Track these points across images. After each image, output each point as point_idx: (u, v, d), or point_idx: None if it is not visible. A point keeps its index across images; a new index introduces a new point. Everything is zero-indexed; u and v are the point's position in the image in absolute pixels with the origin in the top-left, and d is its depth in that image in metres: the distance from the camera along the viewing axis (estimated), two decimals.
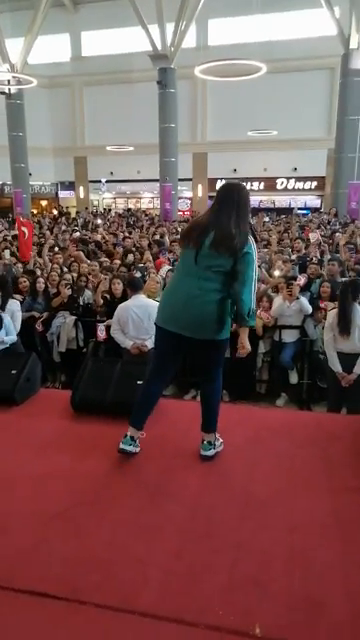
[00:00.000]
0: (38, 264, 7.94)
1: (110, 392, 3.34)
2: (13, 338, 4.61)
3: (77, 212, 22.29)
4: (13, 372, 3.60)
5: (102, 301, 5.72)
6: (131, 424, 2.79)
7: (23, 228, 8.45)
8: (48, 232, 13.00)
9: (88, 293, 6.20)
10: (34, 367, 3.78)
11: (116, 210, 23.74)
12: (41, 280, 6.11)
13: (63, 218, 18.87)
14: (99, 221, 16.49)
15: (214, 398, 2.84)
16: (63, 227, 14.55)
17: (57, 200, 26.22)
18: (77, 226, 15.34)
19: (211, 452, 2.83)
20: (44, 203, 26.38)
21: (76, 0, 22.69)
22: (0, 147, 20.28)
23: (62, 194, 26.22)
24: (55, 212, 23.58)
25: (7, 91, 18.71)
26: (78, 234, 12.68)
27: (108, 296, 5.73)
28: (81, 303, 5.98)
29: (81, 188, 25.13)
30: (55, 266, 7.00)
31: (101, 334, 5.46)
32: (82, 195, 25.19)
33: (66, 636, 1.72)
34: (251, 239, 2.57)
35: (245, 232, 2.55)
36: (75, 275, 6.67)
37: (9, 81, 18.47)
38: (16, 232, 10.60)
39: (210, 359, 2.79)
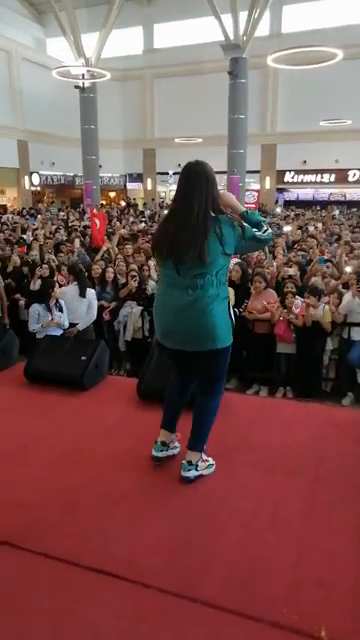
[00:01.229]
0: (106, 255, 8.15)
1: None
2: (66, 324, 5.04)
3: (144, 204, 22.61)
4: (83, 358, 3.72)
5: None
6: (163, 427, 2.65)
7: (96, 219, 8.72)
8: (118, 223, 13.24)
9: (153, 284, 6.28)
10: (103, 354, 3.89)
11: None
12: (110, 270, 6.26)
13: (131, 209, 19.18)
14: (166, 212, 16.60)
15: (207, 416, 2.53)
16: (131, 218, 14.80)
17: (125, 191, 26.69)
18: (144, 217, 15.55)
19: (191, 474, 2.49)
20: (112, 194, 26.96)
21: None
22: (73, 140, 20.91)
23: (130, 186, 26.66)
24: (123, 203, 24.03)
25: (81, 85, 19.21)
26: (143, 225, 12.87)
27: None
28: (148, 293, 6.07)
29: (149, 180, 25.42)
30: (120, 257, 7.15)
31: None
32: (149, 187, 25.48)
33: (130, 617, 1.76)
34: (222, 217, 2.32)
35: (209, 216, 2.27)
36: (138, 266, 6.79)
37: (83, 75, 18.94)
38: (86, 223, 10.94)
39: (209, 371, 2.48)
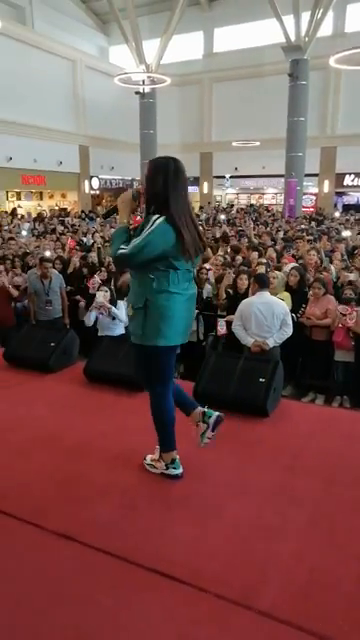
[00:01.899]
0: None
1: (233, 387, 3.36)
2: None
3: (200, 207, 22.67)
4: None
5: (225, 295, 5.77)
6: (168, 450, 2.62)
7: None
8: None
9: (208, 287, 6.29)
10: None
11: (239, 206, 23.72)
12: None
13: None
14: (222, 217, 16.60)
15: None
16: None
17: None
18: (201, 221, 15.60)
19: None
20: None
21: None
22: (132, 144, 21.33)
23: None
24: None
25: (141, 91, 19.57)
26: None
27: (231, 291, 5.76)
28: (203, 297, 6.09)
29: (205, 184, 25.48)
30: None
31: (221, 329, 5.51)
32: (206, 190, 25.53)
33: (187, 620, 1.77)
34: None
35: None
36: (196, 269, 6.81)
37: (144, 81, 19.29)
38: None
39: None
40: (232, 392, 3.35)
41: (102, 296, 5.13)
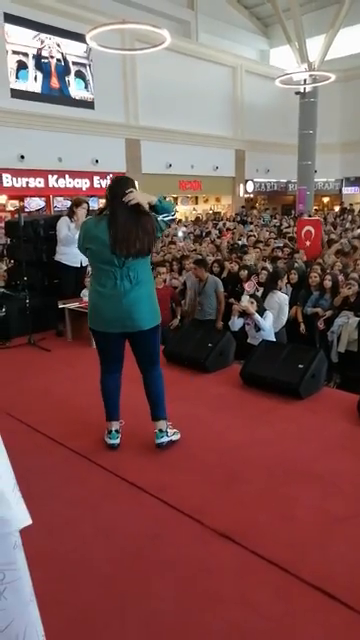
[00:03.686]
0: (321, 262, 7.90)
1: None
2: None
3: None
4: (300, 366, 3.68)
5: None
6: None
7: (309, 227, 8.47)
8: (333, 232, 12.57)
9: None
10: (321, 364, 3.79)
11: None
12: (328, 277, 6.06)
13: (349, 216, 18.25)
14: None
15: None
16: (347, 224, 14.10)
17: (340, 196, 25.65)
18: None
19: (164, 439, 2.95)
20: (326, 200, 26.18)
21: None
22: (289, 146, 20.94)
23: (346, 190, 25.50)
24: (337, 209, 23.13)
25: (302, 90, 19.11)
26: (359, 231, 12.15)
27: None
28: None
29: None
30: (339, 264, 6.85)
31: None
32: None
33: None
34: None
35: None
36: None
37: (305, 80, 18.81)
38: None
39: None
40: None
41: (246, 300, 5.02)
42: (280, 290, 5.68)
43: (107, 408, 3.01)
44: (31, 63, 14.90)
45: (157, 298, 2.95)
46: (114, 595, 1.92)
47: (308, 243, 8.60)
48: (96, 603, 1.89)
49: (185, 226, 16.14)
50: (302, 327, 5.95)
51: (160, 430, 2.95)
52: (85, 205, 5.56)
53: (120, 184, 2.80)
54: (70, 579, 2.02)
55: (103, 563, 2.10)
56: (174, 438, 3.02)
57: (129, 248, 2.69)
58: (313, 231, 8.47)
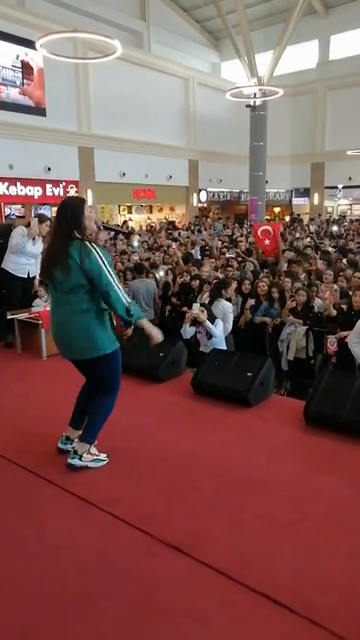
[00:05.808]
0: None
1: (347, 408, 3.19)
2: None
3: (310, 219, 22.06)
4: (249, 374, 3.74)
5: (335, 312, 5.51)
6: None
7: (267, 227, 8.74)
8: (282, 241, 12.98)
9: (319, 302, 6.06)
10: (269, 372, 3.87)
11: (351, 217, 22.71)
12: (274, 289, 6.20)
13: (297, 225, 18.85)
14: (334, 228, 15.99)
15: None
16: (297, 234, 14.53)
17: (290, 207, 26.40)
18: (311, 233, 15.17)
19: (75, 462, 2.83)
20: (277, 210, 26.86)
21: (328, 4, 22.40)
22: (241, 157, 21.41)
23: (296, 201, 26.27)
24: (287, 219, 23.78)
25: (252, 104, 19.60)
26: (308, 240, 12.52)
27: (345, 307, 5.50)
28: (316, 312, 5.87)
29: (316, 194, 24.75)
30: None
31: (331, 346, 5.27)
32: (316, 202, 24.79)
33: None
34: (87, 243, 2.60)
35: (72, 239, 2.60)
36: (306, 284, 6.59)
37: (255, 94, 19.31)
38: (252, 239, 10.97)
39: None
40: (347, 413, 3.18)
41: (197, 308, 5.03)
42: (229, 299, 5.75)
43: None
44: None
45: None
46: (57, 614, 1.87)
47: (267, 242, 8.81)
48: (38, 624, 1.83)
49: (139, 235, 16.13)
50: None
51: (75, 452, 2.86)
52: (48, 222, 5.40)
53: (66, 212, 2.71)
54: (11, 599, 1.96)
55: (47, 581, 2.05)
56: (90, 465, 2.85)
57: (49, 275, 2.70)
58: (271, 230, 8.72)
